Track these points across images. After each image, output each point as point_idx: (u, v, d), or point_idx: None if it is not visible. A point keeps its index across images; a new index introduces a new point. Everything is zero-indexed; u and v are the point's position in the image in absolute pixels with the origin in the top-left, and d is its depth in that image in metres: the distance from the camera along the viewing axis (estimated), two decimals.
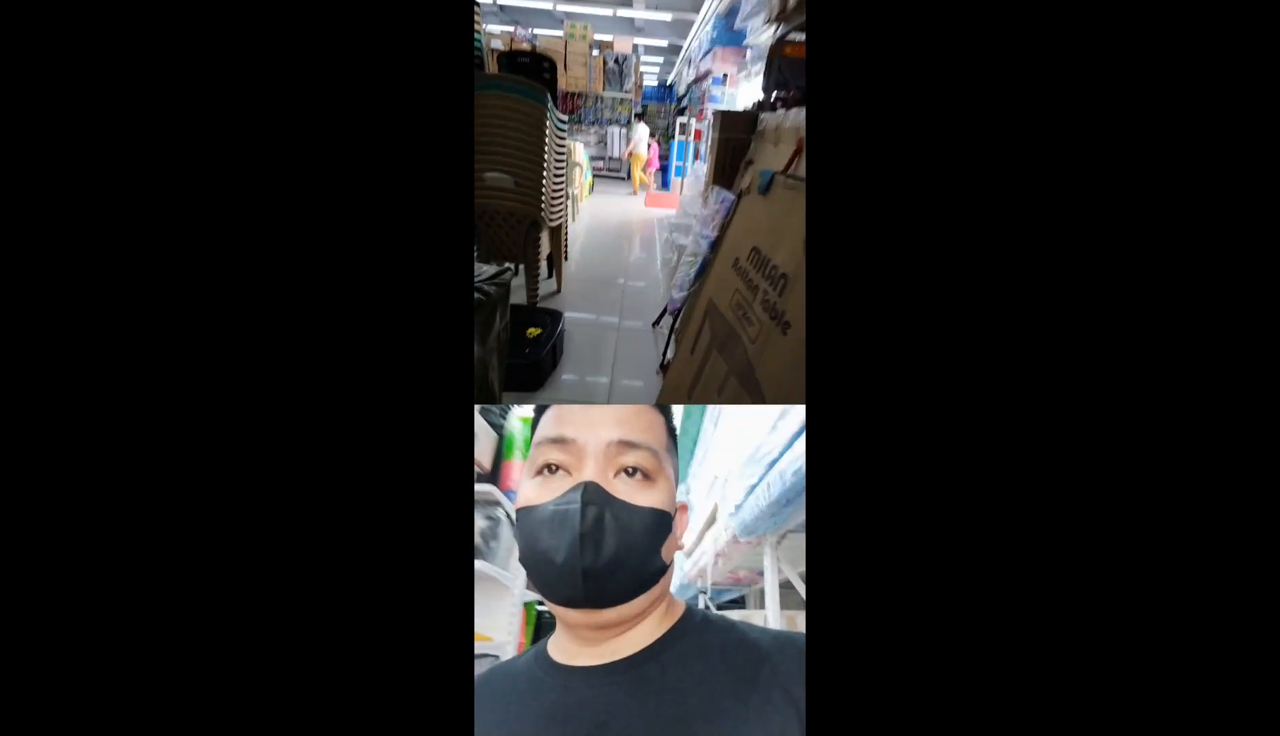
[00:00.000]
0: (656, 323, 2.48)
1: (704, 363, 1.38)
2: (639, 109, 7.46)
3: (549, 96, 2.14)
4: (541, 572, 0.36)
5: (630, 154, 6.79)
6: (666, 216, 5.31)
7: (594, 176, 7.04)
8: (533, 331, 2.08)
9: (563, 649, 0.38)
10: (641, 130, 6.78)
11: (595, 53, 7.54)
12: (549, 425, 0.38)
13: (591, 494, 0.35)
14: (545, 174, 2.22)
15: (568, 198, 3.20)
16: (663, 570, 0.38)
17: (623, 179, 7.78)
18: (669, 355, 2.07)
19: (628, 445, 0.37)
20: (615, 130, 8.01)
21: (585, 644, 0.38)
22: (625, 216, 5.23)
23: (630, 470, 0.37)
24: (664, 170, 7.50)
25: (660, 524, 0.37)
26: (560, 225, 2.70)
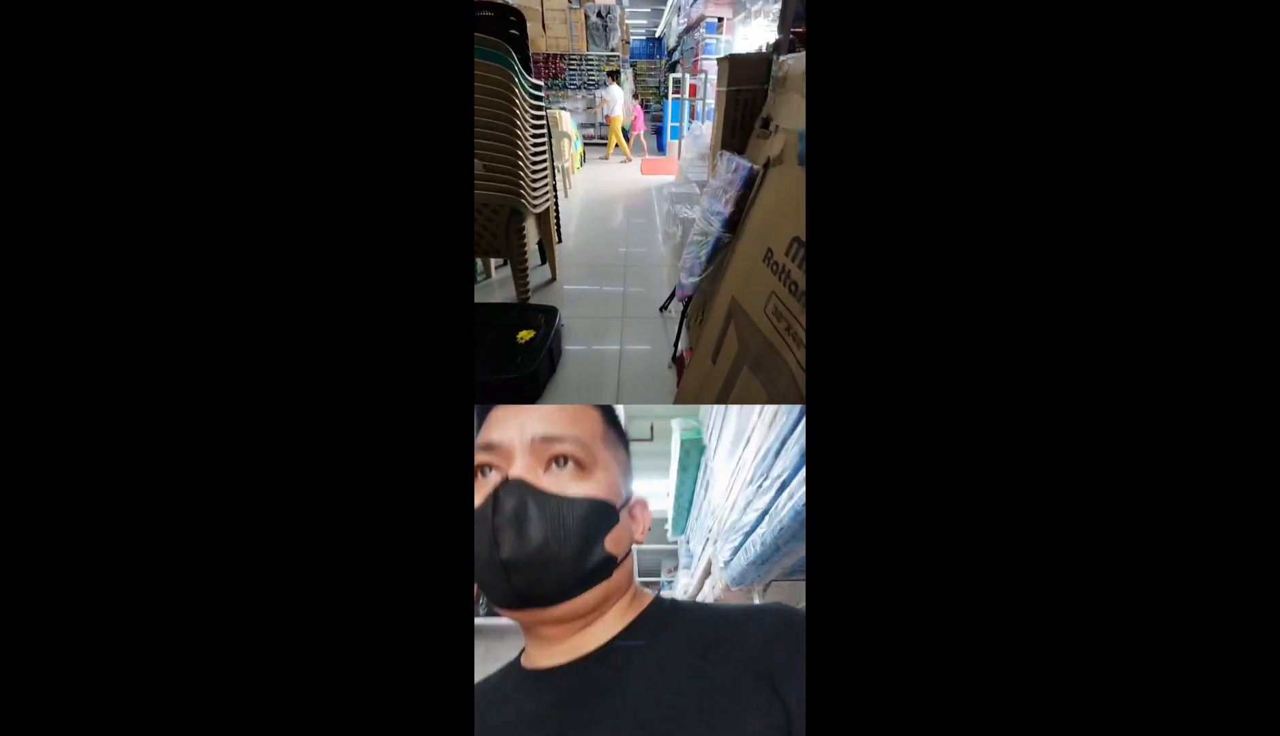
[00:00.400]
0: (664, 308, 2.19)
1: (731, 378, 1.10)
2: (614, 67, 6.75)
3: (514, 56, 1.79)
4: (478, 575, 0.35)
5: (606, 118, 6.22)
6: (665, 184, 4.90)
7: (585, 145, 6.57)
8: (525, 335, 1.81)
9: (530, 656, 0.38)
10: (615, 91, 6.17)
11: (575, 6, 6.94)
12: (481, 433, 0.38)
13: (510, 486, 0.35)
14: (521, 152, 1.88)
15: (554, 174, 2.86)
16: (609, 562, 0.36)
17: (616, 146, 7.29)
18: (680, 346, 1.80)
19: (552, 439, 0.36)
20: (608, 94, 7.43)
21: (548, 644, 0.37)
22: (621, 187, 4.83)
23: (561, 460, 0.36)
24: (659, 133, 6.99)
25: (598, 513, 0.36)
26: (548, 208, 2.37)
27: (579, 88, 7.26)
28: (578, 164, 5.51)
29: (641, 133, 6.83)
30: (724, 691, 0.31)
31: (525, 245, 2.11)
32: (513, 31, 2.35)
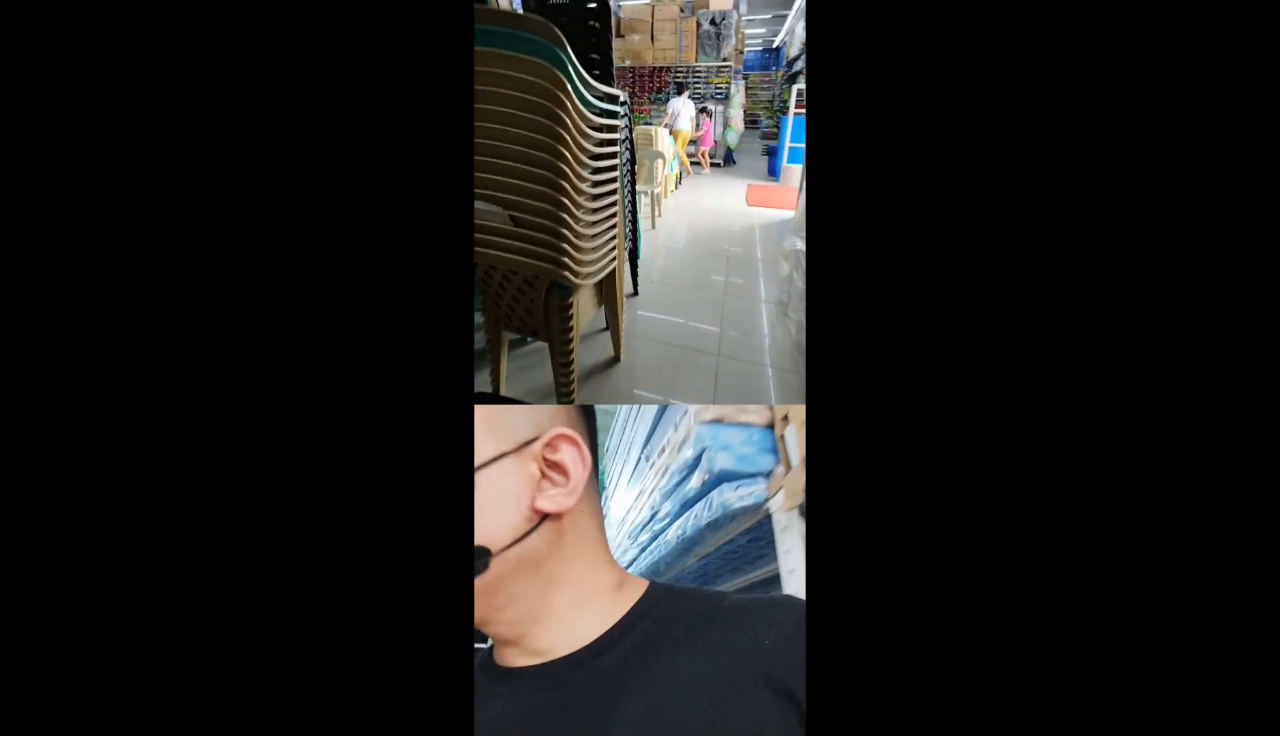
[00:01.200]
0: None
1: None
2: (681, 79, 6.10)
3: (567, 51, 1.09)
4: None
5: (671, 132, 5.41)
6: (776, 221, 4.04)
7: (691, 162, 5.89)
8: None
9: (499, 652, 0.32)
10: (678, 102, 5.45)
11: (687, 15, 6.30)
12: None
13: None
14: (568, 199, 1.19)
15: (634, 210, 2.17)
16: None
17: (718, 165, 6.52)
18: None
19: None
20: (711, 107, 6.68)
21: (504, 645, 0.31)
22: (721, 221, 4.02)
23: None
24: (771, 154, 6.12)
25: None
26: (614, 268, 1.67)
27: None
28: (672, 186, 4.82)
29: (706, 149, 6.02)
30: (740, 708, 0.25)
31: (571, 329, 1.42)
32: (592, 23, 1.69)
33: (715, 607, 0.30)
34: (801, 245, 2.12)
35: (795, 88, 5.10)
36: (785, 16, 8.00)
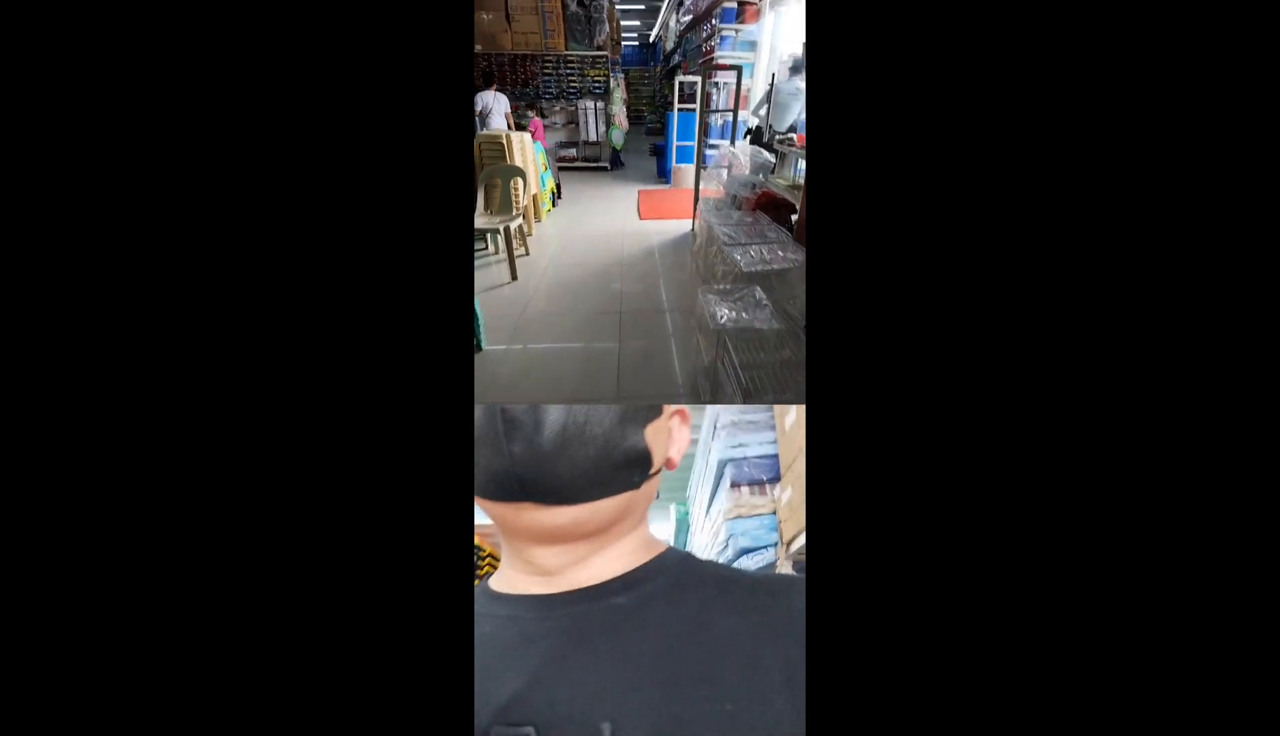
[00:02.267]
0: None
1: None
2: (486, 67, 4.79)
3: None
4: (478, 461, 0.30)
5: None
6: (678, 236, 3.37)
7: (562, 169, 5.03)
8: None
9: (507, 580, 0.33)
10: (489, 96, 4.12)
11: None
12: None
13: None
14: None
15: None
16: (643, 462, 0.30)
17: (604, 170, 5.77)
18: None
19: None
20: (590, 104, 5.89)
21: (536, 573, 0.32)
22: (609, 249, 3.19)
23: None
24: (660, 154, 5.48)
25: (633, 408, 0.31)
26: None
27: (557, 97, 5.75)
28: (548, 205, 3.96)
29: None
30: (770, 663, 0.27)
31: None
32: None
33: (739, 574, 0.32)
34: (727, 312, 1.41)
35: (677, 80, 4.48)
36: (659, 9, 7.48)
